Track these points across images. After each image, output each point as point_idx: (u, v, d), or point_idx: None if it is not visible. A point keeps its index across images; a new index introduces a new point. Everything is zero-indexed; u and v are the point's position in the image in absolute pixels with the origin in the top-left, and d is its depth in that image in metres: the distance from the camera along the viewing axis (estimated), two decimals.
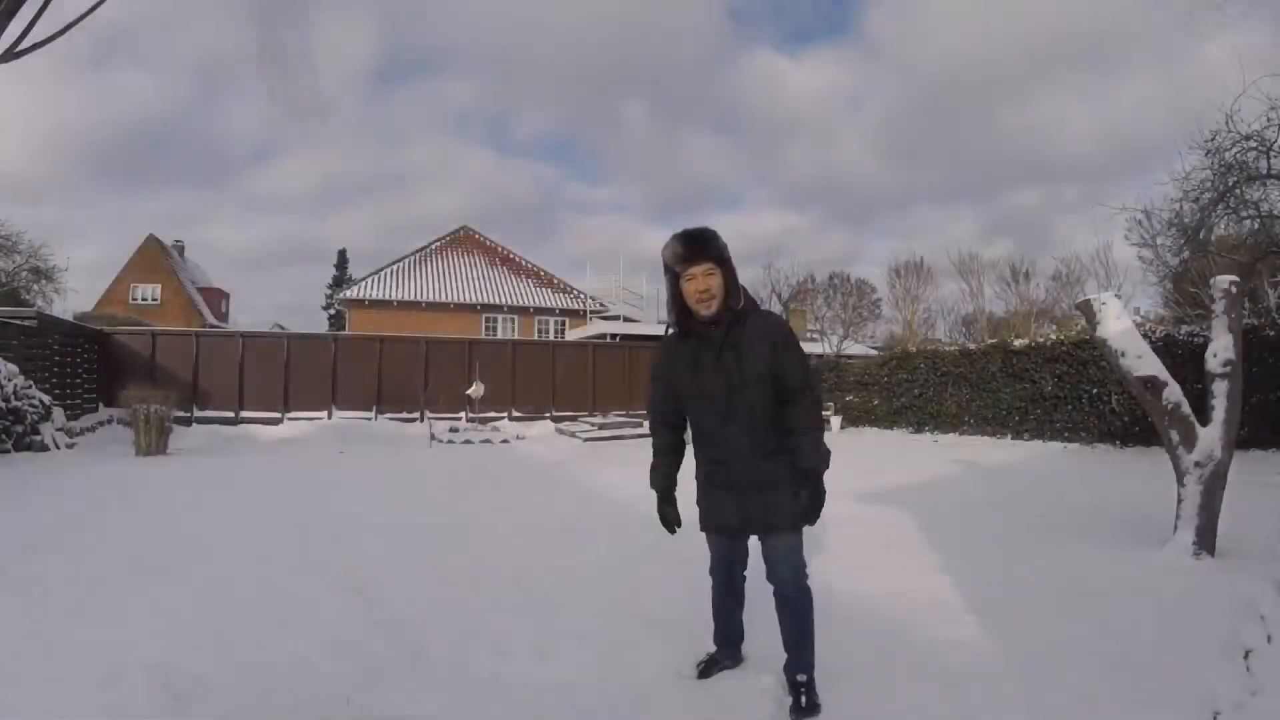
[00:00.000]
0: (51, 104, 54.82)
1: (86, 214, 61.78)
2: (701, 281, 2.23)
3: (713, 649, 2.57)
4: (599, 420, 15.71)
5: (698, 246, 2.24)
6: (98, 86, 63.55)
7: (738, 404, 2.27)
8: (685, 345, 2.36)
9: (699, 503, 2.44)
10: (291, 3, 72.38)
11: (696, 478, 2.45)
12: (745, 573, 2.53)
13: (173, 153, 68.89)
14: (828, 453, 2.25)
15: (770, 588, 2.36)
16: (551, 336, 24.76)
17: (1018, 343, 13.16)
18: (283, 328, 28.88)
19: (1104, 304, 4.52)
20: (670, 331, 2.43)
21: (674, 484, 2.49)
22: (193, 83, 66.26)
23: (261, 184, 71.14)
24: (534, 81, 69.00)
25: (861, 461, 9.61)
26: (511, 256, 27.91)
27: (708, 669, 2.50)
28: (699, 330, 2.32)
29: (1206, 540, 4.17)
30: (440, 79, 77.05)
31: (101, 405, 12.93)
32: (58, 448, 9.78)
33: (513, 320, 25.30)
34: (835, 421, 16.26)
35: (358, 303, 24.09)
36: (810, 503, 2.22)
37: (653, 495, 2.51)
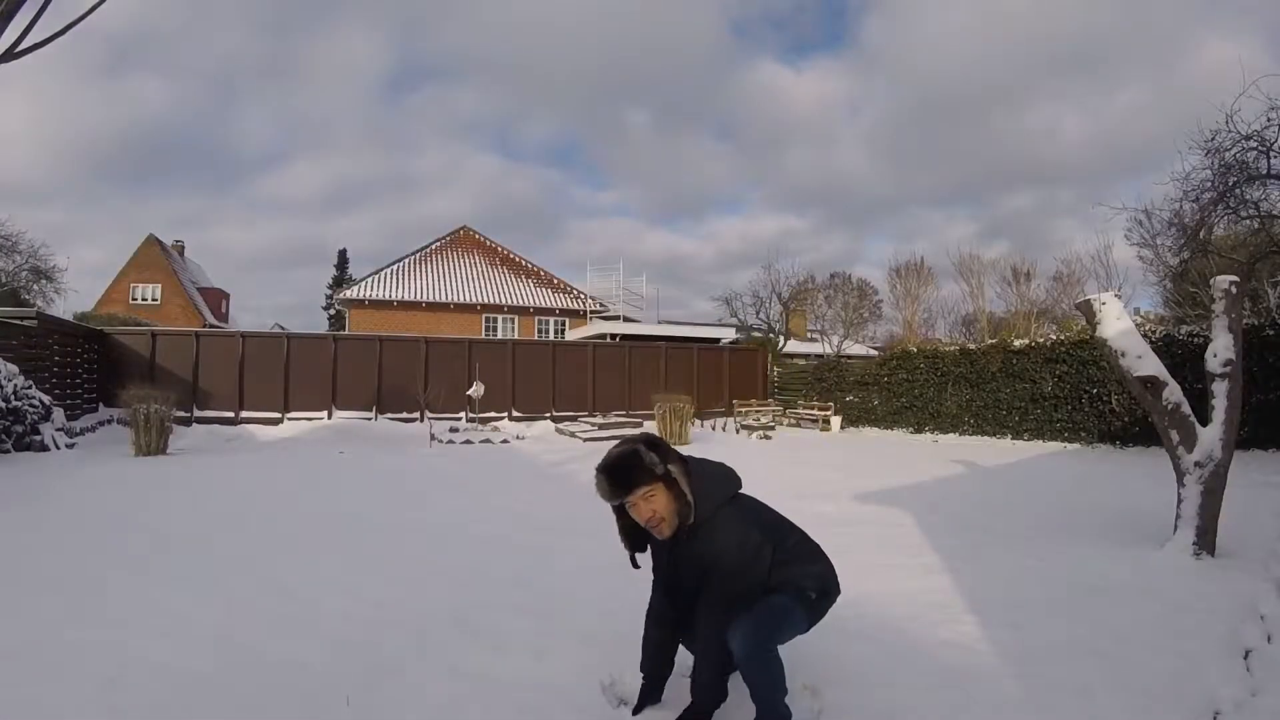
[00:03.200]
0: (62, 108, 55.27)
1: (94, 216, 62.36)
2: (643, 510, 2.08)
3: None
4: (599, 420, 15.72)
5: (623, 479, 2.07)
6: (109, 92, 64.06)
7: (690, 607, 2.18)
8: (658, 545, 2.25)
9: None
10: (305, 12, 73.14)
11: None
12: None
13: (182, 156, 69.43)
14: (720, 672, 2.09)
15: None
16: (551, 336, 24.77)
17: (1018, 343, 13.17)
18: (283, 328, 28.88)
19: (1104, 304, 4.52)
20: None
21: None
22: (204, 88, 66.99)
23: (269, 187, 71.82)
24: (541, 90, 70.43)
25: (861, 461, 9.61)
26: (512, 257, 27.92)
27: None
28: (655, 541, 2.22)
29: (1206, 540, 4.16)
30: (450, 87, 78.33)
31: (101, 405, 12.94)
32: (58, 448, 9.78)
33: (513, 320, 25.31)
34: (835, 421, 16.27)
35: (358, 303, 24.10)
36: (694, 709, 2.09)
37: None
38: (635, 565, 2.29)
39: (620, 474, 2.07)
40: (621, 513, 2.16)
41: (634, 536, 2.22)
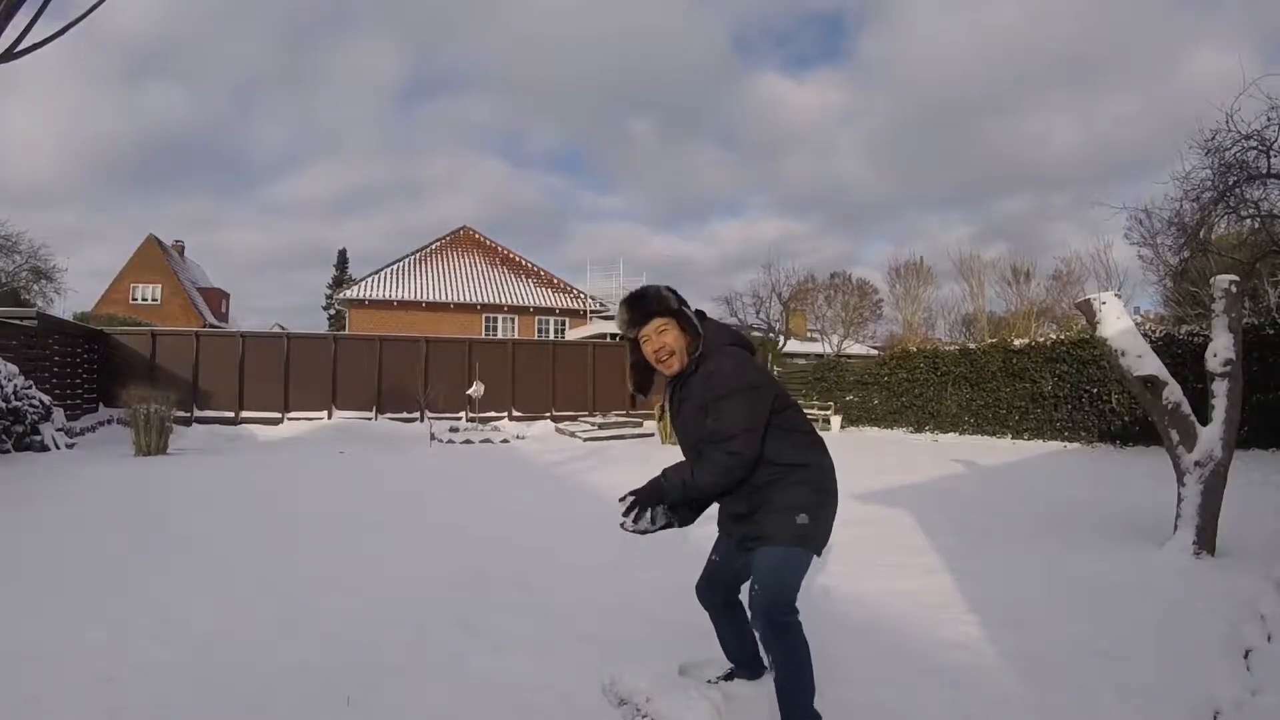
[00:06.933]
0: (77, 113, 56.05)
1: (105, 218, 63.26)
2: (655, 340, 2.17)
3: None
4: (599, 420, 15.71)
5: (641, 307, 2.18)
6: (125, 98, 65.00)
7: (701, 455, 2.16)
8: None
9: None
10: (321, 25, 74.17)
11: None
12: (738, 588, 2.33)
13: (194, 160, 70.27)
14: (690, 487, 2.06)
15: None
16: (551, 336, 24.77)
17: (1018, 343, 13.16)
18: (283, 328, 28.87)
19: (1104, 304, 4.51)
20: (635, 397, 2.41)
21: None
22: (219, 96, 67.76)
23: (278, 191, 72.43)
24: (549, 100, 71.95)
25: (861, 461, 9.61)
26: (512, 256, 27.92)
27: (727, 679, 2.40)
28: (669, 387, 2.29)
29: (1206, 540, 4.16)
30: (460, 97, 79.26)
31: (101, 405, 12.95)
32: (58, 448, 9.78)
33: (513, 320, 25.31)
34: (835, 421, 16.26)
35: (358, 303, 24.10)
36: (644, 490, 2.09)
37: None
38: (632, 401, 2.42)
39: (639, 304, 2.19)
40: (633, 350, 2.27)
41: (641, 375, 2.31)
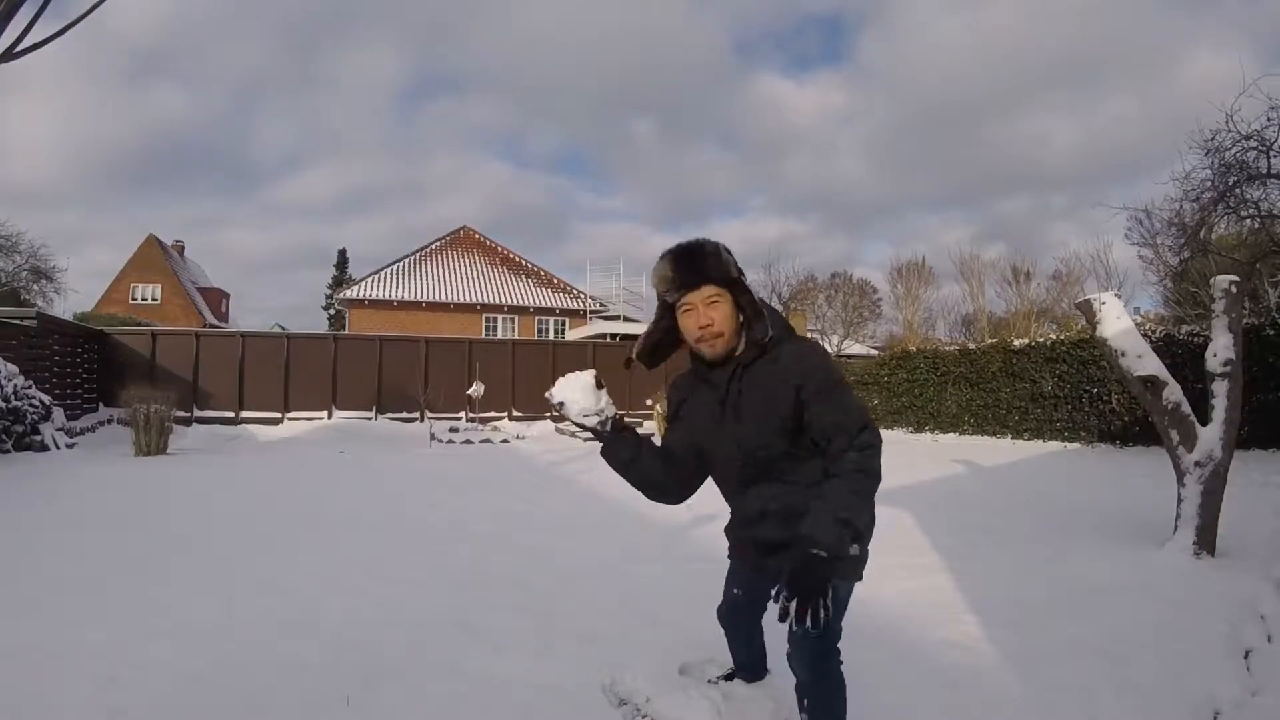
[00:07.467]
0: (81, 116, 56.28)
1: (108, 219, 63.92)
2: (701, 314, 1.68)
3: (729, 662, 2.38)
4: None
5: (693, 266, 1.67)
6: (128, 99, 65.51)
7: (757, 464, 1.73)
8: (700, 388, 1.83)
9: (726, 530, 2.03)
10: (323, 26, 74.76)
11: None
12: (763, 612, 2.05)
13: (197, 161, 70.70)
14: (852, 524, 1.49)
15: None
16: (551, 336, 24.77)
17: (1018, 343, 13.15)
18: (283, 327, 28.87)
19: (1104, 304, 4.51)
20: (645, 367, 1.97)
21: (635, 456, 1.92)
22: (221, 97, 68.39)
23: (281, 191, 73.23)
24: (550, 101, 73.09)
25: None
26: (511, 256, 27.93)
27: (728, 679, 2.35)
28: (705, 374, 1.81)
29: (1206, 540, 4.16)
30: (462, 99, 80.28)
31: (101, 405, 12.95)
32: (58, 448, 9.78)
33: (513, 320, 25.32)
34: None
35: (358, 303, 24.12)
36: (795, 581, 1.45)
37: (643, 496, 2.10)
38: (627, 366, 1.99)
39: (693, 261, 1.68)
40: (663, 315, 1.80)
41: (658, 347, 1.90)
